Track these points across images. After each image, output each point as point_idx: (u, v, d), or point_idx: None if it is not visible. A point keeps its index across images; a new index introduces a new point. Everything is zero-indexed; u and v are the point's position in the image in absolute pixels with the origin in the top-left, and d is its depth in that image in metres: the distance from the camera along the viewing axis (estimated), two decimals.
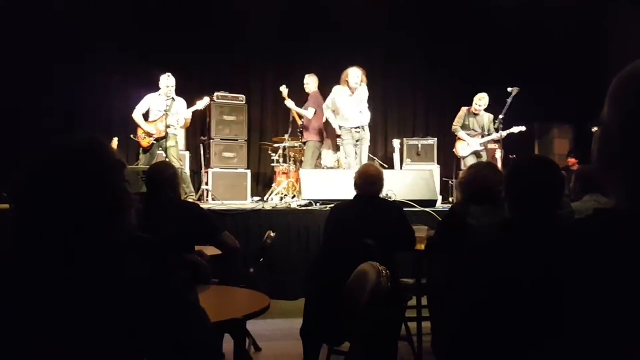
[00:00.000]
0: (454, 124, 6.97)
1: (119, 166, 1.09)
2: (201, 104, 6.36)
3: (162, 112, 6.05)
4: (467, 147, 6.85)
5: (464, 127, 6.89)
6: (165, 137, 6.01)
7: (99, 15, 7.32)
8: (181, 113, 6.19)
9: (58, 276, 0.99)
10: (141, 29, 7.57)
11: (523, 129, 6.73)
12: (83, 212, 1.02)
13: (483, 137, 6.82)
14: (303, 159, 6.87)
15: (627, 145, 0.75)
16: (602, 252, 0.72)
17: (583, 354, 0.69)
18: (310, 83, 6.90)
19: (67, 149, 1.06)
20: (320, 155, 7.08)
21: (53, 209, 1.01)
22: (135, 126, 6.21)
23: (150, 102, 6.17)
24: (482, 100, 6.82)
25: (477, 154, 6.84)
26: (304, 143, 6.88)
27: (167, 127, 5.99)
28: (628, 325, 0.68)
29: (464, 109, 6.97)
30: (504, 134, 6.68)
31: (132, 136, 6.27)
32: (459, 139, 6.93)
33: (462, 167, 6.91)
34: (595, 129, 0.84)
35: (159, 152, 6.17)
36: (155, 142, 6.10)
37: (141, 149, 6.21)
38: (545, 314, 0.72)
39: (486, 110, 6.90)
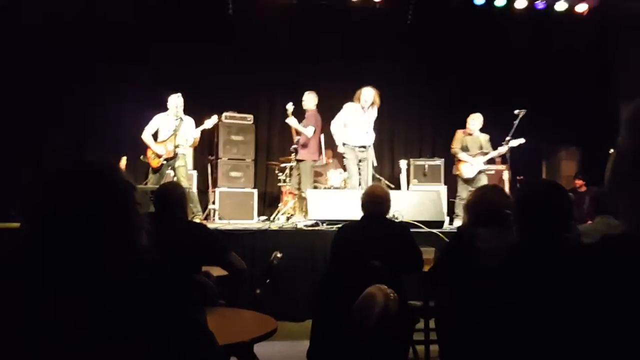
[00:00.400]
0: (453, 146, 6.94)
1: (129, 187, 1.10)
2: (209, 122, 6.39)
3: (171, 132, 6.09)
4: (471, 168, 6.77)
5: (463, 149, 6.86)
6: (175, 157, 6.06)
7: (108, 34, 7.43)
8: (189, 132, 6.23)
9: (65, 295, 1.00)
10: (150, 48, 7.67)
11: (522, 141, 6.65)
12: (92, 232, 1.03)
13: (484, 155, 6.77)
14: (300, 178, 6.72)
15: (637, 174, 0.76)
16: (608, 278, 0.73)
17: None
18: (308, 100, 6.83)
19: (78, 169, 1.07)
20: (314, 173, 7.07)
21: (62, 229, 1.02)
22: (144, 146, 6.24)
23: (159, 122, 6.21)
24: (474, 120, 6.81)
25: (483, 172, 6.78)
26: (298, 161, 6.79)
27: (176, 147, 6.03)
28: (634, 350, 0.67)
29: (459, 132, 6.95)
30: (505, 149, 6.63)
31: (141, 157, 6.30)
32: (460, 160, 6.87)
33: (458, 191, 6.89)
34: (611, 151, 0.86)
35: (167, 171, 6.20)
36: (164, 163, 6.13)
37: (150, 169, 6.23)
38: (552, 338, 0.72)
39: (483, 130, 6.88)
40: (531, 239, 1.93)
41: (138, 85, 7.60)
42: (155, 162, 6.13)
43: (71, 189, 1.04)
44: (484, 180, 6.71)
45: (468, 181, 6.77)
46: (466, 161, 6.80)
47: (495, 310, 0.84)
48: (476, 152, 6.79)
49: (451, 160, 8.51)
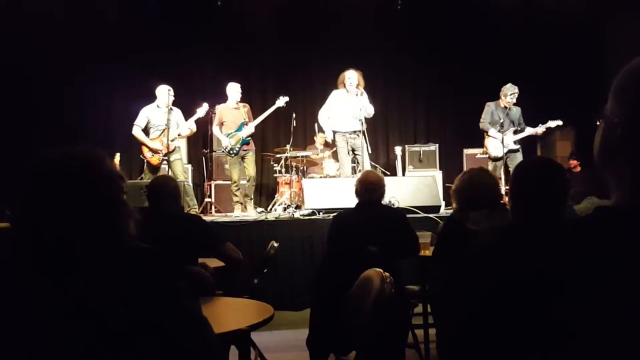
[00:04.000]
0: (482, 119, 6.40)
1: (115, 176, 1.09)
2: (201, 111, 6.28)
3: (163, 126, 5.99)
4: (500, 146, 6.27)
5: (493, 122, 6.34)
6: (172, 151, 5.97)
7: (98, 29, 7.37)
8: (181, 124, 6.14)
9: (57, 286, 0.99)
10: (143, 42, 7.61)
11: (560, 122, 6.32)
12: (80, 222, 1.02)
13: (515, 132, 6.28)
14: (250, 167, 6.46)
15: (628, 138, 0.75)
16: (603, 250, 0.72)
17: (586, 355, 0.68)
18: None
19: (64, 159, 1.06)
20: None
21: (50, 219, 1.01)
22: (137, 143, 6.10)
23: (148, 115, 6.04)
24: (515, 89, 6.26)
25: (512, 151, 6.24)
26: (245, 151, 6.46)
27: (172, 140, 5.93)
28: (632, 324, 0.67)
29: (490, 104, 6.44)
30: (542, 129, 6.25)
31: (141, 156, 6.14)
32: (489, 136, 6.35)
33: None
34: (599, 122, 0.85)
35: (163, 165, 6.11)
36: (165, 159, 5.97)
37: (148, 167, 6.05)
38: (547, 316, 0.72)
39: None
40: (525, 218, 1.92)
41: (132, 81, 7.56)
42: (155, 160, 5.97)
43: (56, 178, 1.03)
44: (517, 160, 6.13)
45: (497, 160, 6.27)
46: (495, 137, 6.30)
47: (488, 291, 0.83)
48: (507, 129, 6.26)
49: (446, 146, 8.53)
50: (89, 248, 1.02)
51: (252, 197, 6.59)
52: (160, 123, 6.00)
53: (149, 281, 1.04)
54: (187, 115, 6.31)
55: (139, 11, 7.61)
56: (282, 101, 6.54)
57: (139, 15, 7.61)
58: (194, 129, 6.32)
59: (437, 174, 7.58)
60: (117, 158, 6.93)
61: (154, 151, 5.97)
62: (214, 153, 7.69)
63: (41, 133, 6.76)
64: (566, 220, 0.98)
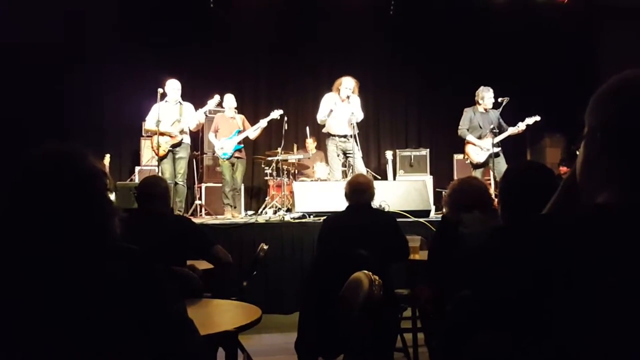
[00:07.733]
0: (460, 126, 6.33)
1: (98, 174, 1.08)
2: (212, 102, 6.30)
3: (172, 120, 6.00)
4: (481, 152, 6.22)
5: (474, 128, 6.27)
6: (180, 144, 5.99)
7: (91, 31, 7.33)
8: (190, 117, 6.14)
9: (41, 287, 0.98)
10: (137, 45, 7.58)
11: (537, 118, 6.23)
12: (63, 222, 1.01)
13: (495, 135, 6.13)
14: (238, 176, 6.57)
15: (607, 138, 0.76)
16: (589, 246, 0.72)
17: (577, 352, 0.69)
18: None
19: (44, 158, 1.05)
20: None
21: (33, 219, 1.00)
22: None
23: (158, 111, 5.96)
24: (489, 92, 6.22)
25: (495, 155, 6.11)
26: (238, 158, 6.57)
27: (181, 131, 5.98)
28: (622, 319, 0.67)
29: (468, 109, 6.36)
30: (522, 126, 6.15)
31: (151, 148, 6.18)
32: (468, 142, 6.29)
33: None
34: (578, 152, 0.89)
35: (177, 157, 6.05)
36: (171, 149, 6.00)
37: (158, 160, 6.03)
38: (538, 316, 0.72)
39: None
40: (514, 220, 1.93)
41: (122, 82, 7.53)
42: (161, 151, 5.97)
43: (36, 177, 1.02)
44: (501, 164, 6.05)
45: (479, 166, 6.20)
46: (474, 144, 6.24)
47: (480, 291, 0.84)
48: (487, 133, 6.15)
49: (436, 151, 8.56)
50: (72, 247, 1.01)
51: (236, 205, 6.63)
52: (169, 117, 6.01)
53: (132, 282, 1.03)
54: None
55: (134, 14, 7.58)
56: (276, 114, 6.63)
57: (134, 18, 7.58)
58: (202, 120, 6.34)
59: (428, 179, 7.61)
60: (107, 159, 6.89)
61: (159, 144, 5.92)
62: (205, 155, 7.68)
63: (32, 134, 6.69)
64: (552, 218, 0.99)
